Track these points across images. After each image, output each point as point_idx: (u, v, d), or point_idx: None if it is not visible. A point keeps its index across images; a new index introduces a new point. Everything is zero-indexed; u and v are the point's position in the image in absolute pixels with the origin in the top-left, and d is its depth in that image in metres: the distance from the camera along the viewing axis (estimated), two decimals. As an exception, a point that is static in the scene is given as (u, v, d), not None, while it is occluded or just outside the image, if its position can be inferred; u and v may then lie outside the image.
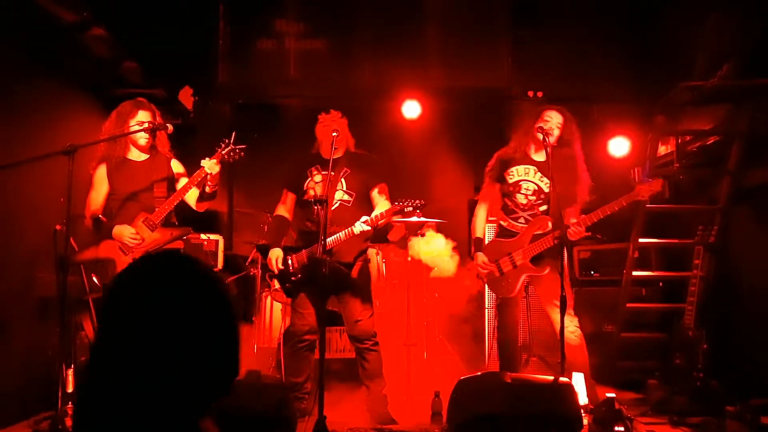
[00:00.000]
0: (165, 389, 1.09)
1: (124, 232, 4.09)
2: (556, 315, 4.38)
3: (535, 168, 4.59)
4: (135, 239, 4.09)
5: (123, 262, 4.03)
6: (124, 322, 1.12)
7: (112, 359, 1.10)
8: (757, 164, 5.20)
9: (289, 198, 4.67)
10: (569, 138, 4.55)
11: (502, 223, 4.69)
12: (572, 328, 4.43)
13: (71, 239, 3.85)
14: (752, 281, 5.11)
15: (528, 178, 4.60)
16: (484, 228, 4.79)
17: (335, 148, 4.26)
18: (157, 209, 4.14)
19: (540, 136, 4.33)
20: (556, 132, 4.52)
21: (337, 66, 6.74)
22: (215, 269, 5.84)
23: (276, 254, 4.45)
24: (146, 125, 4.20)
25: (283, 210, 4.66)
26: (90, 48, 5.14)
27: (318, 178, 4.50)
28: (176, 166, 4.39)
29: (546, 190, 4.55)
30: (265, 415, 3.27)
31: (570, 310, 4.46)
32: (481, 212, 4.78)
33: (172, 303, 1.13)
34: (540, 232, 4.52)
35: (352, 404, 4.61)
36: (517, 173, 4.62)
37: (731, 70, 5.17)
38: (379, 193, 4.52)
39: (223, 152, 4.15)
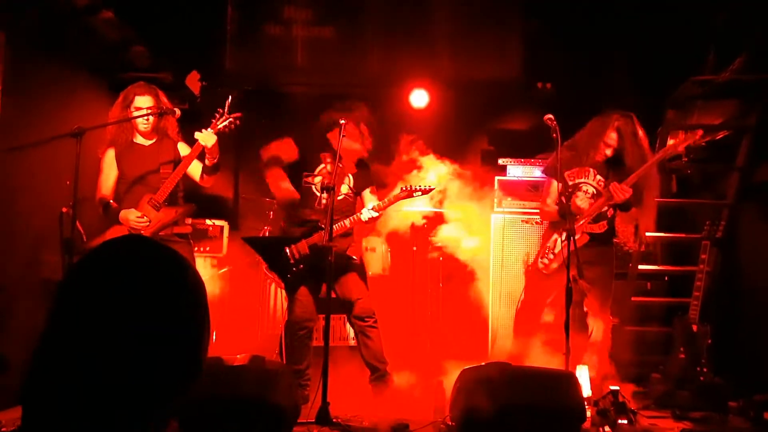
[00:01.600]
0: (122, 383, 1.02)
1: (130, 216, 4.09)
2: (593, 323, 4.43)
3: (594, 170, 4.57)
4: (141, 221, 4.08)
5: None
6: (80, 310, 1.05)
7: (64, 350, 1.03)
8: (766, 160, 5.18)
9: (288, 146, 4.54)
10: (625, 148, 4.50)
11: None
12: (599, 326, 4.47)
13: (77, 222, 3.86)
14: (758, 277, 5.09)
15: (588, 180, 4.58)
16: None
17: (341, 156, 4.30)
18: (160, 188, 4.13)
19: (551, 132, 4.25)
20: (608, 152, 4.50)
21: (344, 54, 6.70)
22: (217, 256, 5.85)
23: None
24: (144, 111, 4.18)
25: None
26: (99, 31, 5.15)
27: (330, 168, 4.49)
28: (183, 149, 4.37)
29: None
30: (271, 401, 3.27)
31: (606, 310, 4.49)
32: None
33: (132, 291, 1.06)
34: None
35: (354, 391, 4.61)
36: (577, 174, 4.60)
37: (742, 64, 5.13)
38: (372, 192, 4.68)
39: (219, 123, 4.13)
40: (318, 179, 4.52)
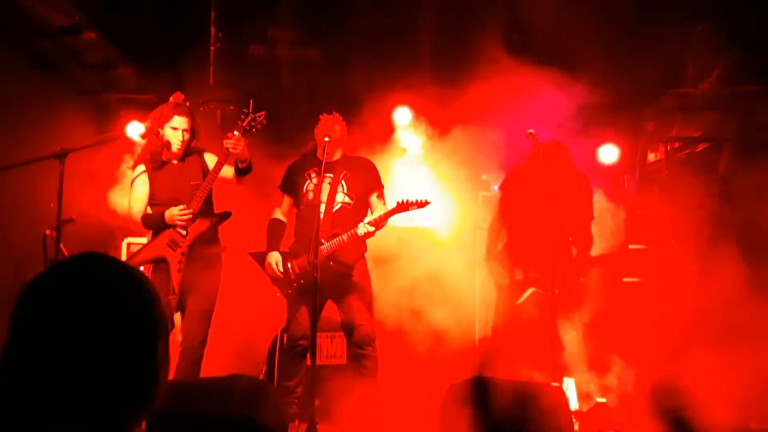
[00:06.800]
0: (80, 398, 1.05)
1: (173, 211, 4.00)
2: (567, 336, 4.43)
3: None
4: (185, 213, 3.99)
5: (174, 258, 4.00)
6: (38, 327, 1.08)
7: (23, 368, 1.07)
8: (746, 170, 5.24)
9: (286, 201, 4.57)
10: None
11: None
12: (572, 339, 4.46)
13: (61, 244, 3.83)
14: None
15: None
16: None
17: (327, 153, 4.22)
18: (193, 199, 4.05)
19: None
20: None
21: (328, 74, 6.74)
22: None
23: (274, 258, 4.35)
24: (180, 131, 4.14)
25: (279, 213, 4.56)
26: (82, 52, 5.14)
27: (316, 180, 4.37)
28: (209, 158, 4.25)
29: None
30: (257, 420, 3.26)
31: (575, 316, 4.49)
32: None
33: (87, 307, 1.09)
34: None
35: (342, 410, 4.59)
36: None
37: (720, 77, 5.22)
38: (378, 197, 4.50)
39: (244, 124, 4.10)
40: (310, 196, 4.39)
